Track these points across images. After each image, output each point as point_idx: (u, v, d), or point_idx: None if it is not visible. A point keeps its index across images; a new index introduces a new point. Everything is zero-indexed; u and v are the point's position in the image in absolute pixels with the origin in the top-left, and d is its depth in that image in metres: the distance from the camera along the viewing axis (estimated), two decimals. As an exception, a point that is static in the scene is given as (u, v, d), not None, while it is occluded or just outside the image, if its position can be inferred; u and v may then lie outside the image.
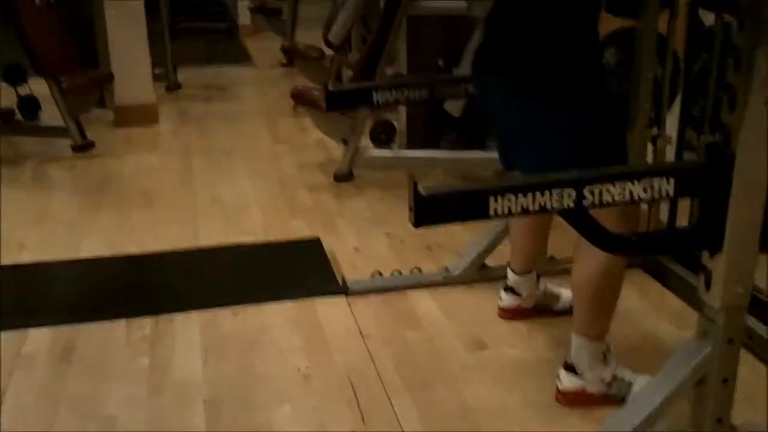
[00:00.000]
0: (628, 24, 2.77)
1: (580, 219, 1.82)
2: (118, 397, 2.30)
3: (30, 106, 4.78)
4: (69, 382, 2.37)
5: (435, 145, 4.25)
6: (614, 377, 2.23)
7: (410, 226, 1.73)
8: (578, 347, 2.22)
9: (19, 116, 4.77)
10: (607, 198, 1.76)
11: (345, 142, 4.14)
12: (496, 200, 1.74)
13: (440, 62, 4.23)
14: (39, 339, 2.59)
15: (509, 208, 1.76)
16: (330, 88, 2.68)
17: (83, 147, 4.60)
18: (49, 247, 3.34)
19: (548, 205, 1.77)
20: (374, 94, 2.70)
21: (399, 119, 4.37)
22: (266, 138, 4.96)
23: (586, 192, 1.76)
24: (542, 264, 2.77)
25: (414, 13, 4.05)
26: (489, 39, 2.27)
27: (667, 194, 1.80)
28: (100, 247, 3.34)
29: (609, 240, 1.87)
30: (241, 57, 7.30)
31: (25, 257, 3.25)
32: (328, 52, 5.34)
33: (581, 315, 2.22)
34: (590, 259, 2.11)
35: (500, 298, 2.72)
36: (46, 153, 4.59)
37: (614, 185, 1.76)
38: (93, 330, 2.66)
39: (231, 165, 4.42)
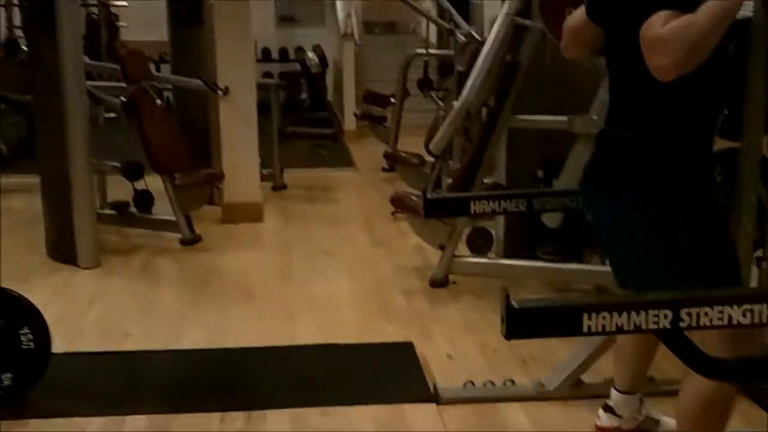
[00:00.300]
0: (732, 144, 2.76)
1: (676, 341, 1.79)
2: (207, 490, 2.34)
3: (144, 200, 5.05)
4: (161, 472, 2.44)
5: (532, 256, 4.25)
6: None
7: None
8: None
9: (133, 209, 5.05)
10: (704, 321, 1.73)
11: (442, 247, 4.19)
12: (590, 317, 1.74)
13: (539, 174, 4.27)
14: (136, 426, 2.69)
15: (603, 326, 1.75)
16: (428, 195, 2.74)
17: (191, 241, 4.81)
18: (152, 336, 3.48)
19: (643, 325, 1.75)
20: (472, 203, 2.74)
21: (497, 227, 4.40)
22: (365, 240, 5.06)
23: (682, 314, 1.74)
24: (642, 384, 2.69)
25: (515, 125, 4.13)
26: (599, 156, 2.28)
27: (769, 320, 1.76)
28: (200, 338, 3.45)
29: (707, 364, 1.82)
30: (345, 161, 7.55)
31: (129, 345, 3.39)
32: (429, 159, 5.46)
33: (683, 444, 2.14)
34: (693, 384, 2.05)
35: (598, 417, 2.64)
36: (155, 245, 4.83)
37: (712, 308, 1.73)
38: (187, 420, 2.73)
39: (329, 265, 4.53)
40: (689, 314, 1.74)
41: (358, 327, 3.64)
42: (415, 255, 4.68)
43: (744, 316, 1.74)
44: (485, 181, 4.36)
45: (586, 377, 2.90)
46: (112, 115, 8.98)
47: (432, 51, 7.00)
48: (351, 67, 8.92)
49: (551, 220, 4.06)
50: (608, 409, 2.61)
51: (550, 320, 1.77)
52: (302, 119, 8.38)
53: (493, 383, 2.96)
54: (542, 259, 4.20)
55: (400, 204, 4.38)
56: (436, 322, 3.68)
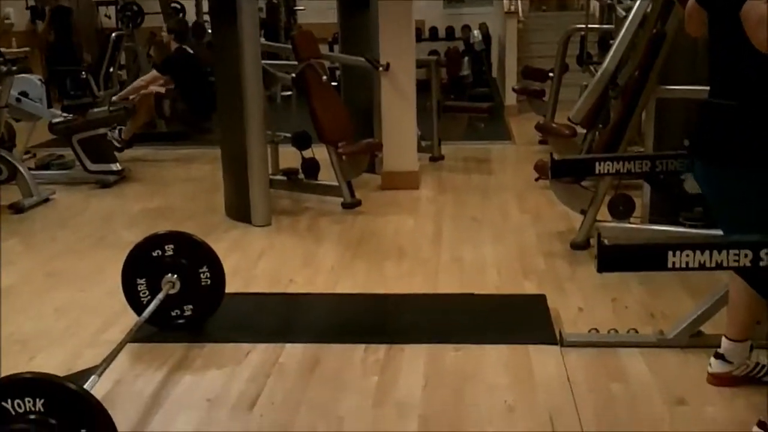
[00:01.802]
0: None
1: (756, 278, 1.97)
2: (348, 405, 2.73)
3: (311, 167, 5.54)
4: (311, 389, 2.85)
5: (676, 222, 4.33)
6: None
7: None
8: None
9: (302, 175, 5.55)
10: (782, 259, 1.91)
11: (583, 212, 4.36)
12: (674, 255, 1.96)
13: (686, 143, 4.33)
14: (292, 353, 3.12)
15: (687, 263, 1.96)
16: (554, 157, 2.97)
17: (351, 205, 5.25)
18: (312, 283, 3.93)
19: (725, 263, 1.95)
20: (597, 164, 2.95)
21: (643, 194, 4.51)
22: (514, 208, 5.29)
23: (762, 254, 1.92)
24: (752, 333, 2.81)
25: (661, 96, 4.23)
26: (703, 126, 2.48)
27: None
28: (352, 287, 3.87)
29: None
30: (503, 134, 7.78)
31: (292, 289, 3.86)
32: (581, 130, 5.60)
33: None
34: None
35: (710, 365, 2.80)
36: (320, 208, 5.33)
37: (792, 249, 1.90)
38: (336, 350, 3.14)
39: (477, 231, 4.81)
40: (768, 254, 1.92)
41: (497, 282, 3.91)
42: (560, 221, 4.86)
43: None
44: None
45: (707, 329, 3.04)
46: (288, 92, 9.68)
47: (591, 26, 7.04)
48: (513, 43, 9.10)
49: (693, 186, 4.14)
50: (719, 356, 2.76)
51: (638, 256, 2.00)
52: (464, 95, 8.65)
53: (616, 331, 3.15)
54: (684, 225, 4.29)
55: (542, 171, 4.58)
56: (572, 280, 3.88)
